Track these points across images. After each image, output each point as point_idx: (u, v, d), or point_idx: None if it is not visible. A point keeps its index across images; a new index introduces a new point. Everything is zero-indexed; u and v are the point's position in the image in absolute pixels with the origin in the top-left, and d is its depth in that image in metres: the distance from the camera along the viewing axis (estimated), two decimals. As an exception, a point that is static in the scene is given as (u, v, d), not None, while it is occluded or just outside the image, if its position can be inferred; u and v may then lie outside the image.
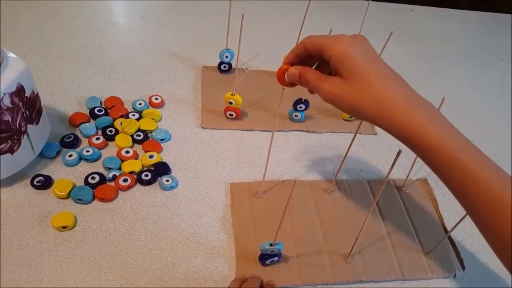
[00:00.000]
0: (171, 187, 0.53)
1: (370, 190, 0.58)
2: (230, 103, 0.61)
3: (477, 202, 0.35)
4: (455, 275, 0.50)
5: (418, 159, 0.53)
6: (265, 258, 0.47)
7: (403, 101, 0.36)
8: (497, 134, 0.73)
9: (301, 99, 0.62)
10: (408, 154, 0.38)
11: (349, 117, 0.66)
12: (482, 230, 0.36)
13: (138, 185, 0.53)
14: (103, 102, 0.62)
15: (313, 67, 0.42)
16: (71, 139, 0.56)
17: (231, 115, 0.63)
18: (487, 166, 0.35)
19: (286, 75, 0.41)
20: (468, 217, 0.45)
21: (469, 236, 0.54)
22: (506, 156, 0.69)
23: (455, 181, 0.36)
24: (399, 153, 0.36)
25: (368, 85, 0.36)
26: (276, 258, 0.47)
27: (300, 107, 0.63)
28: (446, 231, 0.54)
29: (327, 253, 0.50)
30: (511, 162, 0.67)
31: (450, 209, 0.58)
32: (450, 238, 0.54)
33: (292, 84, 0.42)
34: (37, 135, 0.51)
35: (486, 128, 0.74)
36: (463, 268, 0.51)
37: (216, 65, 0.71)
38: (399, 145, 0.37)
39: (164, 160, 0.56)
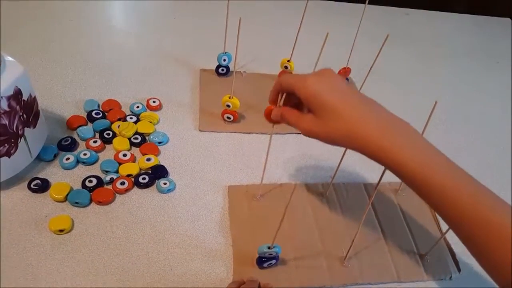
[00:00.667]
0: (169, 190, 0.53)
1: (366, 193, 0.58)
2: (228, 106, 0.62)
3: (458, 222, 0.36)
4: (450, 277, 0.50)
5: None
6: (262, 261, 0.47)
7: (375, 129, 0.37)
8: (493, 137, 0.74)
9: (298, 102, 0.63)
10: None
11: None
12: (465, 244, 0.37)
13: (135, 188, 0.53)
14: (100, 105, 0.62)
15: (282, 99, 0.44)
16: (68, 142, 0.56)
17: (228, 118, 0.63)
18: (467, 187, 0.36)
19: (272, 114, 0.45)
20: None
21: (464, 238, 0.55)
22: (502, 158, 0.70)
23: (432, 202, 0.37)
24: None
25: (338, 118, 0.38)
26: (273, 261, 0.47)
27: (297, 110, 0.63)
28: (441, 233, 0.55)
29: (324, 256, 0.50)
30: (510, 165, 0.68)
31: (446, 211, 0.58)
32: (445, 240, 0.54)
33: (278, 122, 0.45)
34: (34, 138, 0.51)
35: (482, 131, 0.74)
36: (459, 270, 0.51)
37: (214, 68, 0.71)
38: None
39: (161, 163, 0.56)
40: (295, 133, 0.65)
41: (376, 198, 0.52)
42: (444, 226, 0.56)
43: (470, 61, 0.92)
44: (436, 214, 0.57)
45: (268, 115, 0.46)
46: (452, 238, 0.54)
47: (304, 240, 0.51)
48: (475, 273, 0.52)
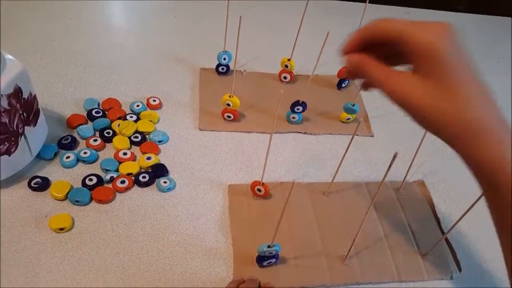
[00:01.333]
0: (169, 189, 0.53)
1: (367, 192, 0.58)
2: (228, 105, 0.61)
3: None
4: (451, 277, 0.50)
5: (415, 161, 0.54)
6: (262, 259, 0.47)
7: (497, 130, 0.30)
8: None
9: (298, 101, 0.62)
10: (405, 156, 0.38)
11: (346, 119, 0.66)
12: None
13: (135, 186, 0.53)
14: (100, 104, 0.62)
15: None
16: (68, 140, 0.56)
17: (229, 117, 0.63)
18: None
19: (346, 61, 0.35)
20: (464, 218, 0.45)
21: (465, 237, 0.54)
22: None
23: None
24: (395, 155, 0.37)
25: (459, 97, 0.29)
26: (273, 260, 0.47)
27: (298, 109, 0.63)
28: (442, 232, 0.55)
29: (325, 255, 0.50)
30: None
31: (447, 211, 0.58)
32: (446, 240, 0.54)
33: (352, 76, 0.35)
34: (34, 137, 0.51)
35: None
36: (460, 269, 0.51)
37: (214, 67, 0.71)
38: (395, 146, 0.37)
39: (161, 162, 0.56)
40: (296, 132, 0.65)
41: (378, 196, 0.51)
42: (445, 225, 0.56)
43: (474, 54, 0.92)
44: (437, 213, 0.57)
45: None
46: (453, 237, 0.54)
47: (304, 239, 0.51)
48: (476, 273, 0.51)
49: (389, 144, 0.64)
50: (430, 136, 0.44)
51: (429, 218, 0.57)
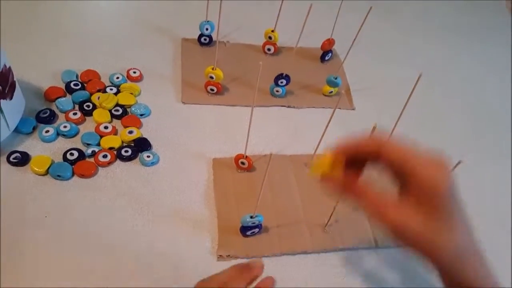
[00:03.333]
0: (152, 163, 0.53)
1: (348, 163, 0.59)
2: (211, 77, 0.61)
3: None
4: (425, 244, 0.53)
5: (394, 132, 0.55)
6: (246, 229, 0.48)
7: (480, 272, 0.33)
8: (473, 109, 0.75)
9: (282, 74, 0.62)
10: (383, 128, 0.39)
11: (329, 92, 0.67)
12: None
13: (118, 161, 0.53)
14: (79, 75, 0.60)
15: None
16: (47, 114, 0.54)
17: (212, 90, 0.62)
18: None
19: (333, 187, 0.34)
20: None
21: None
22: (479, 130, 0.72)
23: None
24: (374, 128, 0.38)
25: (453, 230, 0.31)
26: (256, 230, 0.49)
27: (281, 82, 0.63)
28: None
29: (306, 223, 0.52)
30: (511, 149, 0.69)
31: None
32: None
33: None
34: (11, 110, 0.50)
35: (462, 103, 0.76)
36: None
37: (196, 37, 0.70)
38: (375, 119, 0.38)
39: (144, 136, 0.55)
40: (279, 105, 0.65)
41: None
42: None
43: (451, 34, 0.92)
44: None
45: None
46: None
47: (287, 209, 0.53)
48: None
49: (369, 117, 0.65)
50: (409, 110, 0.45)
51: (406, 188, 0.59)
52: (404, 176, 0.31)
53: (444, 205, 0.31)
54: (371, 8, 0.50)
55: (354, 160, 0.34)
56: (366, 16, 0.51)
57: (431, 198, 0.31)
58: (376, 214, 0.32)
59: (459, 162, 0.38)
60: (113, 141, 0.54)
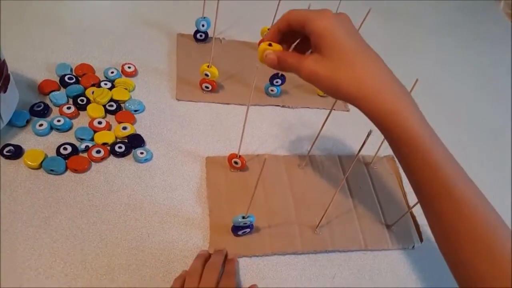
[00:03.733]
0: (146, 160, 0.53)
1: (340, 165, 0.60)
2: (206, 75, 0.61)
3: (436, 198, 0.37)
4: (413, 247, 0.54)
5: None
6: (238, 229, 0.48)
7: (384, 87, 0.36)
8: (468, 112, 0.76)
9: (277, 73, 0.62)
10: (378, 132, 0.39)
11: (324, 93, 0.67)
12: (434, 224, 0.39)
13: (111, 157, 0.53)
14: (73, 69, 0.60)
15: (294, 44, 0.41)
16: (41, 108, 0.54)
17: (207, 87, 0.62)
18: (454, 168, 0.37)
19: (264, 57, 0.40)
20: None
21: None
22: (474, 133, 0.73)
23: (419, 174, 0.37)
24: (369, 133, 0.38)
25: (349, 64, 0.36)
26: (248, 230, 0.49)
27: (277, 82, 0.63)
28: (408, 206, 0.58)
29: (297, 224, 0.52)
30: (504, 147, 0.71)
31: (413, 184, 0.61)
32: (411, 213, 0.57)
33: (278, 69, 0.41)
34: (5, 103, 0.49)
35: (457, 105, 0.77)
36: (421, 240, 0.55)
37: (192, 33, 0.69)
38: (369, 121, 0.39)
39: (138, 132, 0.56)
40: (274, 105, 0.65)
41: (350, 170, 0.53)
42: (411, 199, 0.59)
43: (447, 36, 0.93)
44: (404, 187, 0.60)
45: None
46: (418, 210, 0.57)
47: (279, 210, 0.53)
48: (435, 244, 0.55)
49: (363, 119, 0.65)
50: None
51: (396, 192, 0.60)
52: (306, 32, 0.37)
53: (335, 46, 0.36)
54: (369, 10, 0.50)
55: (287, 37, 0.41)
56: (365, 18, 0.51)
57: (325, 45, 0.36)
58: (297, 69, 0.38)
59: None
60: (107, 137, 0.54)
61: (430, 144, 0.36)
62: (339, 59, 0.36)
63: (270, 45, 0.40)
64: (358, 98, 0.36)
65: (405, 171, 0.39)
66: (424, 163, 0.36)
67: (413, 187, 0.39)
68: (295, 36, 0.40)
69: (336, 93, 0.37)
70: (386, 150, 0.63)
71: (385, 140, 0.56)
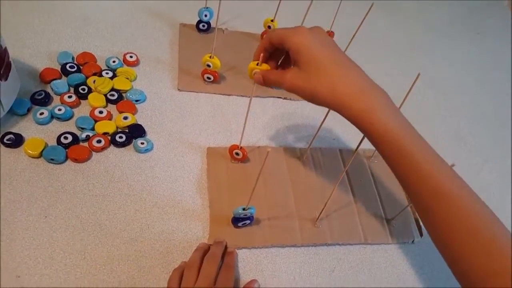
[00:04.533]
0: (146, 150, 0.53)
1: (341, 159, 0.60)
2: (208, 66, 0.60)
3: (419, 191, 0.38)
4: (413, 241, 0.54)
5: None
6: (238, 220, 0.48)
7: (356, 90, 0.38)
8: (469, 107, 0.76)
9: (280, 65, 0.62)
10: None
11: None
12: (422, 217, 0.40)
13: (112, 146, 0.53)
14: (75, 57, 0.60)
15: (281, 60, 0.45)
16: (42, 96, 0.54)
17: (208, 78, 0.62)
18: (431, 157, 0.38)
19: (252, 75, 0.44)
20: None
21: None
22: (477, 128, 0.72)
23: (400, 168, 0.39)
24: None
25: (323, 73, 0.39)
26: (248, 221, 0.49)
27: (279, 74, 0.62)
28: (408, 200, 0.58)
29: (297, 217, 0.52)
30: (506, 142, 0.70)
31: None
32: (411, 207, 0.57)
33: (261, 84, 0.45)
34: (6, 91, 0.49)
35: (459, 101, 0.76)
36: (421, 234, 0.55)
37: (194, 23, 0.69)
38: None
39: (139, 122, 0.55)
40: (275, 97, 0.65)
41: (350, 164, 0.53)
42: (411, 192, 0.59)
43: (451, 31, 0.92)
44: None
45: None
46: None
47: (279, 202, 0.53)
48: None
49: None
50: (404, 108, 0.45)
51: (397, 186, 0.59)
52: (286, 48, 0.41)
53: (311, 58, 0.39)
54: (372, 5, 0.49)
55: (274, 55, 0.44)
56: (367, 13, 0.51)
57: (301, 58, 0.39)
58: (280, 84, 0.42)
59: (452, 165, 0.39)
60: (108, 126, 0.53)
61: (405, 138, 0.38)
62: (315, 70, 0.39)
63: (258, 64, 0.44)
64: (334, 103, 0.39)
65: (390, 167, 0.40)
66: (401, 158, 0.38)
67: (400, 183, 0.41)
68: (279, 53, 0.44)
69: (315, 101, 0.40)
70: (388, 144, 0.63)
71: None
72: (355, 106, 0.38)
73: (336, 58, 0.40)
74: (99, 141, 0.52)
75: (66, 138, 0.51)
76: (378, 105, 0.38)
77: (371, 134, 0.39)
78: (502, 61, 0.89)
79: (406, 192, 0.41)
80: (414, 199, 0.40)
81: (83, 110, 0.55)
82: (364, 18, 0.50)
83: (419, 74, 0.45)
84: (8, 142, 0.49)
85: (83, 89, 0.56)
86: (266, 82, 0.44)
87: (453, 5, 0.99)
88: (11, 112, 0.51)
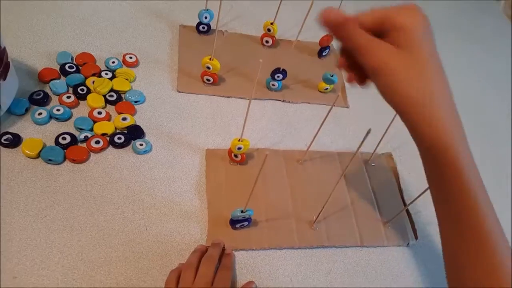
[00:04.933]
0: (145, 152, 0.53)
1: (339, 161, 0.60)
2: (208, 67, 0.60)
3: (465, 232, 0.36)
4: (408, 244, 0.54)
5: (386, 135, 0.56)
6: (236, 222, 0.49)
7: (447, 113, 0.35)
8: (466, 112, 0.76)
9: (279, 68, 0.62)
10: (376, 130, 0.39)
11: (324, 89, 0.67)
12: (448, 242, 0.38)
13: (110, 147, 0.53)
14: (74, 58, 0.60)
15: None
16: (40, 96, 0.54)
17: (208, 80, 0.62)
18: (488, 203, 0.36)
19: (322, 14, 0.35)
20: (425, 192, 0.48)
21: (424, 209, 0.58)
22: (474, 133, 0.73)
23: (456, 204, 0.36)
24: (368, 131, 0.38)
25: (424, 70, 0.34)
26: (246, 223, 0.49)
27: (278, 77, 0.63)
28: (404, 203, 0.58)
29: (295, 219, 0.53)
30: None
31: (410, 182, 0.61)
32: (407, 210, 0.57)
33: (334, 31, 0.35)
34: (4, 90, 0.49)
35: (456, 107, 0.76)
36: (416, 237, 0.55)
37: (194, 24, 0.69)
38: (369, 118, 0.38)
39: (137, 123, 0.55)
40: (275, 99, 0.65)
41: (348, 167, 0.54)
42: (407, 196, 0.59)
43: (450, 37, 0.93)
44: (401, 185, 0.60)
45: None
46: (413, 208, 0.58)
47: (277, 204, 0.54)
48: (430, 241, 0.56)
49: (363, 116, 0.66)
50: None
51: (393, 189, 0.60)
52: (388, 27, 0.34)
53: (421, 48, 0.33)
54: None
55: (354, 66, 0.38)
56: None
57: (409, 40, 0.33)
58: (364, 48, 0.34)
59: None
60: (106, 127, 0.53)
61: (470, 183, 0.35)
62: (418, 60, 0.34)
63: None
64: (416, 111, 0.34)
65: (434, 190, 0.39)
66: (458, 193, 0.36)
67: (435, 203, 0.39)
68: (359, 67, 0.37)
69: (399, 92, 0.34)
70: (384, 147, 0.64)
71: (384, 139, 0.57)
72: (436, 134, 0.34)
73: (439, 65, 0.36)
74: (97, 142, 0.52)
75: (64, 138, 0.51)
76: (458, 143, 0.35)
77: (439, 168, 0.36)
78: (498, 66, 0.89)
79: (439, 213, 0.39)
80: (457, 235, 0.37)
81: (81, 110, 0.55)
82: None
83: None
84: (6, 142, 0.49)
85: (82, 90, 0.56)
86: (344, 31, 0.34)
87: (449, 11, 0.99)
88: (9, 112, 0.51)
